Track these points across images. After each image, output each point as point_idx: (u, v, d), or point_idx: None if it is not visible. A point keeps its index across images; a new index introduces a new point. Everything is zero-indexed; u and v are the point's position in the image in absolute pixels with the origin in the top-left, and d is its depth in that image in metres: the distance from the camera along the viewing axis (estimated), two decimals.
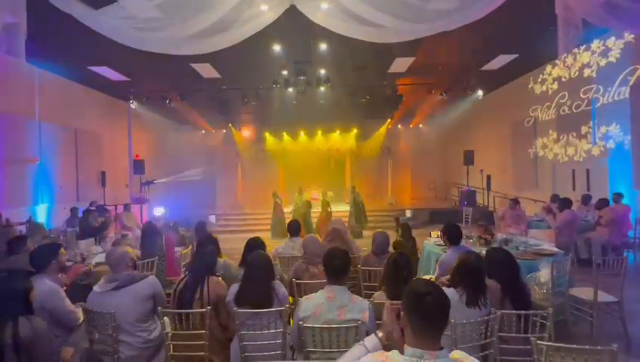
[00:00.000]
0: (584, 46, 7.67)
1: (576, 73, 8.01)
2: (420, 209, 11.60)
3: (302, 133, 14.17)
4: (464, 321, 2.11)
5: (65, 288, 2.76)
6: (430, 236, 5.02)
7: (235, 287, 2.45)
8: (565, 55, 7.99)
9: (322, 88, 9.57)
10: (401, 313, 1.32)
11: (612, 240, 5.71)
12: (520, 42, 7.46)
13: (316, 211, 9.64)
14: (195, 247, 3.75)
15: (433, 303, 1.25)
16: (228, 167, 14.20)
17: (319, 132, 14.13)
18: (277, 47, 7.41)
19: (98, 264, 4.01)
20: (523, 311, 2.24)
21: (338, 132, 14.20)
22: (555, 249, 4.23)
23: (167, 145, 13.67)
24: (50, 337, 1.89)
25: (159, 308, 2.45)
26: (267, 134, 14.21)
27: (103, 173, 9.87)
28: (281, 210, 9.75)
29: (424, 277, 2.85)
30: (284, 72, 8.94)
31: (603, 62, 7.32)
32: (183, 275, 2.83)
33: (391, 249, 3.64)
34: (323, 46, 7.41)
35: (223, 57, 7.43)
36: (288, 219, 7.20)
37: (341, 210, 10.02)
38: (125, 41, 3.95)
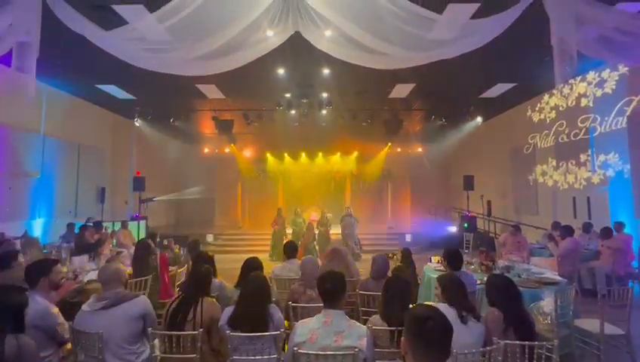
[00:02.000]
0: (580, 77, 7.87)
1: (574, 102, 8.17)
2: (420, 233, 11.50)
3: (303, 155, 14.29)
4: (465, 351, 2.03)
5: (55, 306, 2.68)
6: (431, 261, 4.95)
7: (229, 310, 2.38)
8: (562, 85, 8.18)
9: (324, 111, 9.74)
10: (402, 339, 1.29)
11: (616, 270, 5.60)
12: (518, 72, 7.65)
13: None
14: (191, 266, 3.68)
15: (435, 328, 1.22)
16: (228, 186, 14.22)
17: (320, 154, 14.26)
18: (281, 71, 7.60)
19: (90, 281, 3.92)
20: (527, 342, 2.16)
21: (339, 154, 14.33)
22: (558, 277, 4.14)
23: (169, 163, 13.72)
24: (36, 359, 1.81)
25: (149, 329, 2.36)
26: (269, 155, 14.32)
27: (103, 189, 9.86)
28: (284, 228, 9.67)
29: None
30: (287, 95, 9.12)
31: (599, 93, 7.48)
32: (176, 296, 2.76)
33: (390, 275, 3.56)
34: (325, 70, 7.61)
35: (228, 79, 7.61)
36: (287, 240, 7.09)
37: (337, 232, 9.93)
38: (134, 62, 4.06)
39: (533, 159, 9.65)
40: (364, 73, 7.03)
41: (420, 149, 14.80)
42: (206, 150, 14.78)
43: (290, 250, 4.15)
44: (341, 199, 14.62)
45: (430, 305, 1.35)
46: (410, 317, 1.28)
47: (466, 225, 10.43)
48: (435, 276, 4.23)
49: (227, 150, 14.22)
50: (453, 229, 11.82)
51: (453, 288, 2.35)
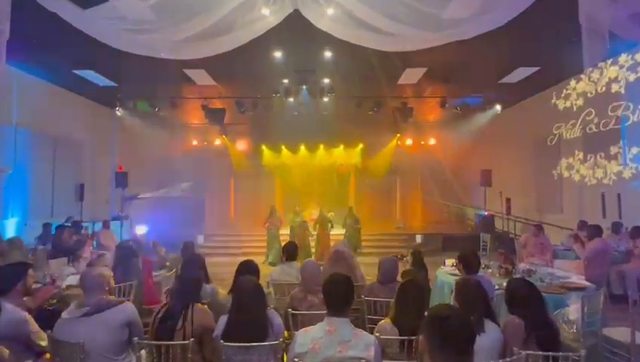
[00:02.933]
0: (611, 60, 7.81)
1: (604, 88, 8.11)
2: (432, 234, 11.49)
3: (302, 147, 14.27)
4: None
5: (30, 313, 2.70)
6: (444, 264, 4.96)
7: (223, 320, 2.40)
8: (591, 69, 8.12)
9: (326, 99, 9.71)
10: (421, 338, 1.34)
11: None
12: (541, 54, 7.60)
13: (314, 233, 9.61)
14: (180, 270, 3.69)
15: (456, 326, 1.27)
16: (220, 182, 14.24)
17: (321, 146, 14.23)
18: (278, 54, 7.57)
19: (70, 286, 3.94)
20: (552, 353, 2.16)
21: (342, 147, 14.30)
22: (585, 282, 4.15)
23: (154, 157, 13.73)
24: None
25: (135, 339, 2.38)
26: (264, 147, 14.32)
27: (82, 186, 9.88)
28: (277, 228, 9.70)
29: None
30: (285, 81, 9.09)
31: (632, 78, 7.43)
32: (164, 302, 2.77)
33: (399, 279, 3.58)
34: (327, 53, 7.57)
35: (219, 63, 7.59)
36: (284, 241, 7.14)
37: (339, 233, 9.97)
38: (114, 43, 4.04)
39: (558, 151, 9.61)
40: (371, 56, 7.04)
41: (432, 141, 14.77)
42: (194, 142, 14.77)
43: (290, 252, 4.16)
44: (345, 196, 14.63)
45: (450, 305, 1.39)
46: (429, 315, 1.33)
47: (482, 224, 10.44)
48: (449, 280, 4.26)
49: (218, 142, 14.22)
50: (468, 229, 11.82)
51: (470, 292, 2.36)
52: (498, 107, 10.98)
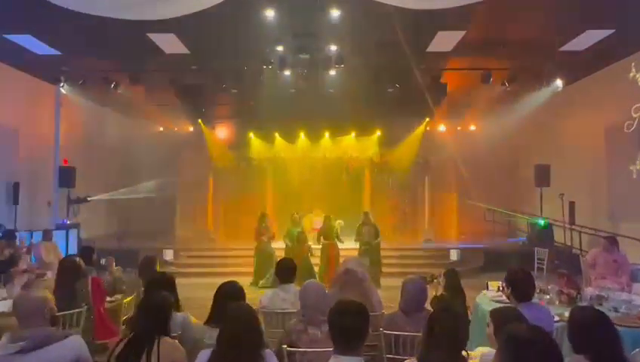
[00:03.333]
0: None
1: None
2: (471, 249, 11.45)
3: (302, 135, 14.29)
4: None
5: None
6: (487, 288, 4.97)
7: (204, 357, 2.40)
8: None
9: (333, 72, 9.68)
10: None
11: None
12: (616, 13, 7.53)
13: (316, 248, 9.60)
14: (142, 294, 3.71)
15: (541, 355, 1.30)
16: (194, 181, 14.28)
17: (326, 134, 14.24)
18: (270, 13, 7.56)
19: (1, 314, 3.97)
20: None
21: (354, 135, 14.30)
22: None
23: (109, 148, 13.80)
24: None
25: None
26: (252, 135, 14.34)
27: (16, 186, 9.95)
28: (269, 242, 9.74)
29: (479, 349, 2.80)
30: (279, 48, 9.08)
31: None
32: (122, 335, 2.79)
33: (428, 307, 3.58)
34: (334, 12, 7.54)
35: (193, 25, 7.59)
36: (279, 257, 7.17)
37: (351, 247, 9.95)
38: (59, 1, 4.08)
39: (638, 141, 9.54)
40: (391, 15, 7.01)
41: (472, 127, 14.70)
42: (161, 128, 14.82)
43: (285, 271, 4.17)
44: (357, 199, 14.61)
45: (534, 326, 1.42)
46: (508, 338, 1.37)
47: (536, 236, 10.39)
48: None
49: (192, 128, 14.25)
50: (520, 243, 11.76)
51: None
52: (559, 83, 10.89)
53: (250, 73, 10.01)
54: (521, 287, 3.40)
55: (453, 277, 4.63)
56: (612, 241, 6.48)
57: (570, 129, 11.86)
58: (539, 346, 1.32)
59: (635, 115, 9.66)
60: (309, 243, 9.60)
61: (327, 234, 9.51)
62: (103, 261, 6.01)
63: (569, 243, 10.70)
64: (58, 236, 9.24)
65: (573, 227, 10.62)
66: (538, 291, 4.32)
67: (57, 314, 3.58)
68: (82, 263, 4.48)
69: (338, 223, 10.10)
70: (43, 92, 11.23)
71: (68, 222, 10.91)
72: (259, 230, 9.81)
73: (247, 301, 3.08)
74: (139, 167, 14.33)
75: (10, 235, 7.72)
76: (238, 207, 14.08)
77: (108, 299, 4.72)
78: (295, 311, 3.54)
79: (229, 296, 3.07)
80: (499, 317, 2.55)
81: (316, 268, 9.28)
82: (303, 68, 9.52)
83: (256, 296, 4.37)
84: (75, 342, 2.47)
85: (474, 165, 14.56)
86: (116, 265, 6.10)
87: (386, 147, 14.45)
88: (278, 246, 9.97)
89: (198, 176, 14.33)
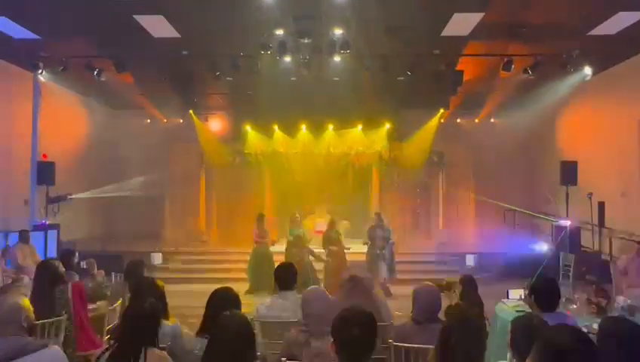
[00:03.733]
0: None
1: None
2: (489, 253, 11.42)
3: (303, 128, 14.27)
4: None
5: None
6: (507, 297, 4.98)
7: None
8: None
9: (337, 58, 9.66)
10: None
11: None
12: None
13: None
14: (128, 301, 3.72)
15: None
16: (185, 178, 14.31)
17: (330, 127, 14.21)
18: None
19: None
20: None
21: (360, 127, 14.26)
22: None
23: (93, 142, 13.84)
24: None
25: None
26: (249, 127, 14.34)
27: None
28: (266, 246, 9.76)
29: None
30: (279, 32, 9.06)
31: None
32: (105, 346, 2.80)
33: (442, 317, 3.58)
34: None
35: (185, 7, 7.59)
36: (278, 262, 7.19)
37: (359, 250, 9.96)
38: None
39: None
40: None
41: (491, 119, 14.66)
42: (148, 120, 14.84)
43: (285, 278, 4.17)
44: (364, 198, 14.61)
45: (578, 330, 1.40)
46: (544, 344, 1.34)
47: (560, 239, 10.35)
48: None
49: (182, 120, 14.25)
50: (543, 247, 11.72)
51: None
52: (587, 71, 10.84)
53: (246, 59, 10.00)
54: (544, 295, 3.40)
55: (469, 285, 4.65)
56: None
57: (600, 122, 11.80)
58: (576, 356, 1.29)
59: None
60: (312, 246, 9.60)
61: (332, 239, 9.49)
62: (84, 265, 6.02)
63: (598, 248, 10.68)
64: (36, 238, 9.27)
65: (603, 230, 10.59)
66: (564, 300, 4.33)
67: (35, 322, 3.61)
68: (62, 267, 4.49)
69: (344, 224, 10.07)
70: (19, 80, 11.23)
71: (47, 223, 10.93)
72: (258, 232, 9.82)
73: (244, 310, 3.08)
74: (125, 162, 14.39)
75: None
76: (233, 207, 14.09)
77: (90, 306, 4.73)
78: (296, 320, 3.54)
79: (222, 304, 3.06)
80: (516, 323, 2.53)
81: (320, 276, 9.28)
82: (304, 54, 9.49)
83: (251, 304, 4.37)
84: (54, 354, 2.49)
85: (493, 161, 14.55)
86: (99, 269, 6.13)
87: (396, 141, 14.39)
88: (278, 249, 9.98)
89: (189, 172, 14.35)
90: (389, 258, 9.64)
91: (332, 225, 9.78)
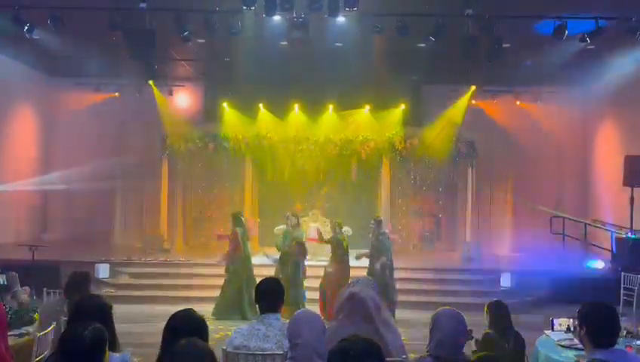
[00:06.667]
0: None
1: None
2: (530, 272, 11.47)
3: (296, 108, 14.29)
4: None
5: None
6: (551, 328, 4.99)
7: None
8: None
9: (341, 19, 9.63)
10: None
11: None
12: None
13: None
14: (65, 325, 3.70)
15: None
16: (142, 168, 14.29)
17: (330, 107, 14.24)
18: None
19: None
20: None
21: (368, 109, 14.32)
22: None
23: (21, 121, 13.78)
24: None
25: None
26: (226, 105, 14.34)
27: None
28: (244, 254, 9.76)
29: None
30: None
31: None
32: None
33: (469, 352, 3.59)
34: None
35: None
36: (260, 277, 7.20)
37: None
38: None
39: None
40: None
41: (536, 103, 14.65)
42: (95, 93, 14.73)
43: (267, 298, 4.12)
44: (371, 197, 14.64)
45: None
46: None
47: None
48: (561, 359, 4.24)
49: (139, 93, 14.19)
50: (599, 265, 11.75)
51: None
52: None
53: (223, 16, 9.94)
54: (599, 327, 3.38)
55: (501, 312, 4.65)
56: None
57: None
58: None
59: None
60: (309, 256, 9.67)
61: (334, 246, 9.49)
62: (3, 279, 6.01)
63: None
64: None
65: None
66: (624, 334, 4.34)
67: None
68: None
69: (345, 230, 10.07)
70: None
71: None
72: (229, 236, 9.74)
73: (211, 338, 3.07)
74: (63, 147, 14.32)
75: None
76: (204, 206, 14.14)
77: (11, 332, 4.68)
78: (281, 353, 3.52)
79: (182, 330, 3.04)
80: None
81: (316, 295, 9.29)
82: (298, 12, 9.44)
83: (220, 330, 4.36)
84: None
85: (537, 155, 14.55)
86: (24, 286, 6.10)
87: (414, 126, 14.45)
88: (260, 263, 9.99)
89: (147, 160, 14.32)
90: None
91: (334, 229, 9.77)
